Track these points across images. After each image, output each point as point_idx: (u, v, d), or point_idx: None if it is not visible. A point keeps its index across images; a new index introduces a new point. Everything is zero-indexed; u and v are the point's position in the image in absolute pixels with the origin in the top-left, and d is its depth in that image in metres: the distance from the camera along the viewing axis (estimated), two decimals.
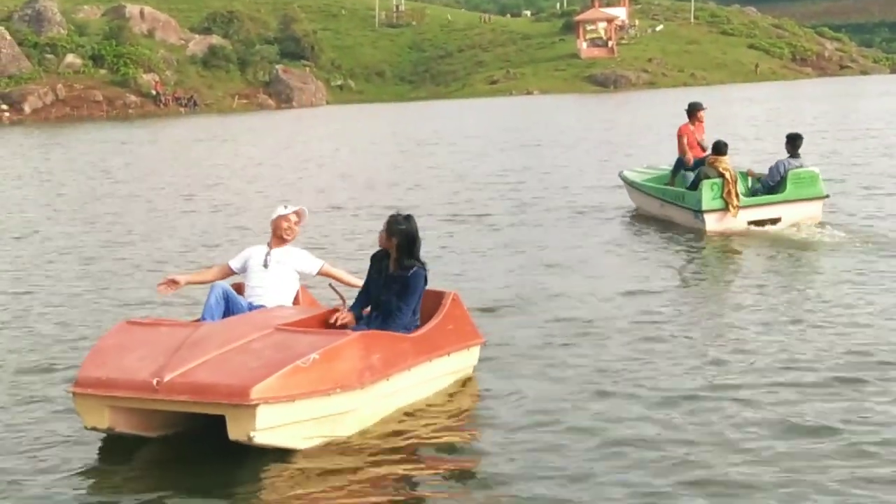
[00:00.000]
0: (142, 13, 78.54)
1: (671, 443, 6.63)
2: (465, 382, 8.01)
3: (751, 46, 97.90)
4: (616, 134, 36.40)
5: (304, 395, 6.43)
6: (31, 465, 6.62)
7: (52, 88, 66.36)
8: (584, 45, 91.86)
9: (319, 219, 17.32)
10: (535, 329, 9.62)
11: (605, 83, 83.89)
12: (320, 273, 8.39)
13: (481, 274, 12.45)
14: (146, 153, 35.81)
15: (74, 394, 6.69)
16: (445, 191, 21.22)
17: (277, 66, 79.93)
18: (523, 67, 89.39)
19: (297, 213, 8.35)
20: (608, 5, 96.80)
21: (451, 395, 7.74)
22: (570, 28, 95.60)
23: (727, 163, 14.81)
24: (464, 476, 6.30)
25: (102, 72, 69.97)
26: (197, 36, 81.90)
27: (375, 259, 7.72)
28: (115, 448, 6.76)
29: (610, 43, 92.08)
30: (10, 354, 9.26)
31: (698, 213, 14.79)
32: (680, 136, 16.45)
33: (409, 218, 7.60)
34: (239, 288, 8.20)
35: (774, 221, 14.81)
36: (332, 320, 7.61)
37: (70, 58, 69.48)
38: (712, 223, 14.69)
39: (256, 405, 6.22)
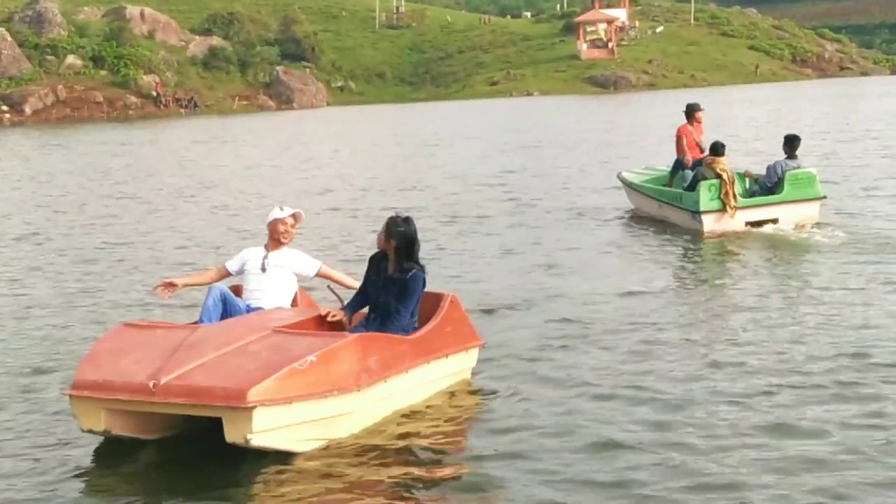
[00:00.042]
0: (142, 14, 78.53)
1: (669, 446, 6.62)
2: (464, 385, 8.00)
3: (751, 48, 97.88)
4: (616, 135, 36.39)
5: (301, 398, 6.42)
6: (27, 467, 6.61)
7: (53, 90, 66.37)
8: (585, 46, 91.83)
9: (319, 220, 17.34)
10: (533, 331, 9.61)
11: (605, 84, 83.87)
12: (318, 275, 8.37)
13: (480, 275, 12.45)
14: (146, 154, 35.80)
15: (71, 396, 6.68)
16: (445, 192, 21.22)
17: (278, 68, 79.91)
18: (523, 69, 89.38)
19: (293, 216, 8.32)
20: (608, 7, 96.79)
21: (449, 397, 7.73)
22: (571, 29, 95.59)
23: (724, 164, 14.82)
24: (461, 478, 6.29)
25: (103, 73, 69.97)
26: (197, 37, 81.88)
27: (374, 260, 7.70)
28: (112, 451, 6.75)
29: (610, 44, 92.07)
30: (8, 355, 9.26)
31: (696, 213, 14.80)
32: (679, 137, 16.47)
33: (407, 220, 7.58)
34: (237, 290, 8.19)
35: (772, 222, 14.82)
36: (324, 316, 7.60)
37: (70, 59, 69.49)
38: (710, 224, 14.71)
39: (253, 407, 6.21)
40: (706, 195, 14.67)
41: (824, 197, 15.23)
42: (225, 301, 7.81)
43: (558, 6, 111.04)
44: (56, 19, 72.50)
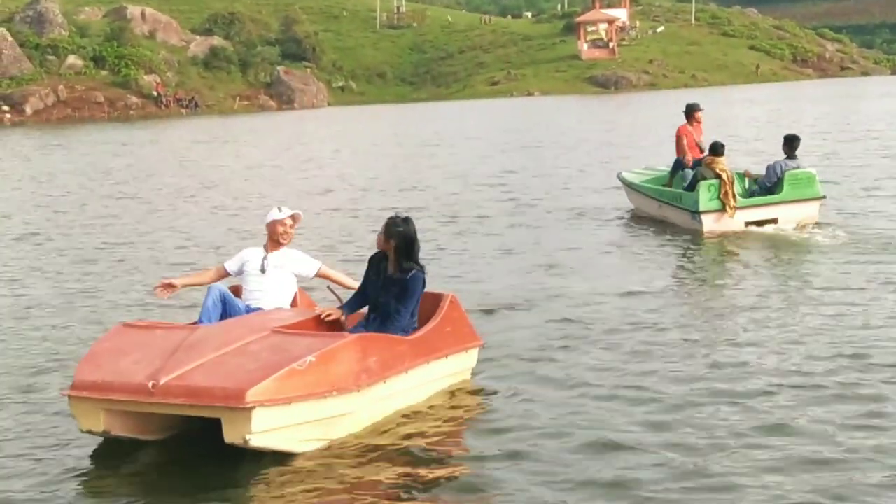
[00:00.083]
0: (143, 14, 78.57)
1: (670, 446, 6.61)
2: (463, 385, 7.99)
3: (752, 48, 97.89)
4: (617, 135, 36.39)
5: (301, 398, 6.41)
6: (27, 467, 6.61)
7: (54, 90, 66.41)
8: (585, 46, 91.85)
9: (319, 220, 17.34)
10: (533, 331, 9.61)
11: (605, 84, 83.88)
12: (318, 275, 8.36)
13: (480, 275, 12.44)
14: (147, 154, 35.81)
15: (70, 397, 6.67)
16: (445, 192, 21.21)
17: (279, 68, 79.93)
18: (524, 69, 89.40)
19: (292, 217, 8.30)
20: (609, 7, 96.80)
21: (449, 397, 7.72)
22: (571, 29, 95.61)
23: (724, 163, 14.82)
24: (461, 478, 6.28)
25: (104, 73, 70.01)
26: (198, 37, 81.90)
27: (374, 261, 7.68)
28: (112, 451, 6.74)
29: (611, 44, 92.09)
30: (8, 355, 9.26)
31: (695, 213, 14.80)
32: (679, 137, 16.48)
33: (407, 220, 7.56)
34: (237, 290, 8.19)
35: (771, 222, 14.82)
36: (321, 316, 7.60)
37: (71, 59, 69.53)
38: (709, 224, 14.71)
39: (252, 408, 6.20)
40: (706, 195, 14.67)
41: (824, 197, 15.23)
42: (224, 301, 7.81)
43: (559, 6, 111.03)
44: (57, 19, 72.55)
